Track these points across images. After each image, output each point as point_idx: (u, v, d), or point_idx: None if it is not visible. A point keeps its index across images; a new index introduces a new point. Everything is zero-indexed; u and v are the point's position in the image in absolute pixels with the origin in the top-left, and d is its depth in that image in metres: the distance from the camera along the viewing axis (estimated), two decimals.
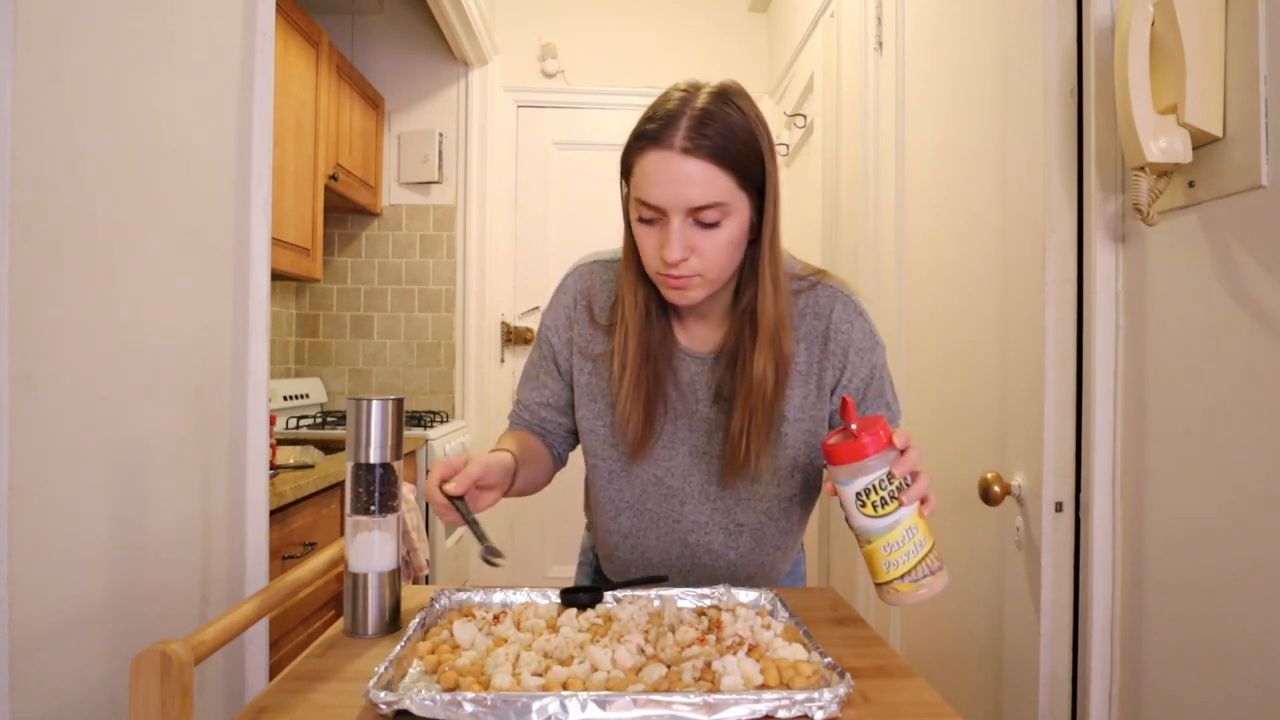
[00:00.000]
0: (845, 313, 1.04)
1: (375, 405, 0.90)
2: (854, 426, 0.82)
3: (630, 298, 1.02)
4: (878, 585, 0.83)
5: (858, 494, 0.81)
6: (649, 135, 0.90)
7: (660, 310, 1.04)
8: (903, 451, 0.81)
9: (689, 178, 0.88)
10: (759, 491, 1.06)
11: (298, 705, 0.73)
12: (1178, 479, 1.00)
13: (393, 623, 0.92)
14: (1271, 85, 0.85)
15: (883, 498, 0.80)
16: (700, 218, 0.90)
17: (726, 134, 0.88)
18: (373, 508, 0.90)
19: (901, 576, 0.81)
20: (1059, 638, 1.17)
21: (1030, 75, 1.23)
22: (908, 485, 0.81)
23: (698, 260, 0.92)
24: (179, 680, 0.61)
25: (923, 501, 0.81)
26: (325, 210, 2.78)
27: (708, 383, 1.05)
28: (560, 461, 1.18)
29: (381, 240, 3.33)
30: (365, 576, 0.90)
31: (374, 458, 0.90)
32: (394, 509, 0.91)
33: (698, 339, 1.06)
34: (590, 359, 1.08)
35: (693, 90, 0.91)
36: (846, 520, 0.84)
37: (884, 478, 0.80)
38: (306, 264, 2.60)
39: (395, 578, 0.92)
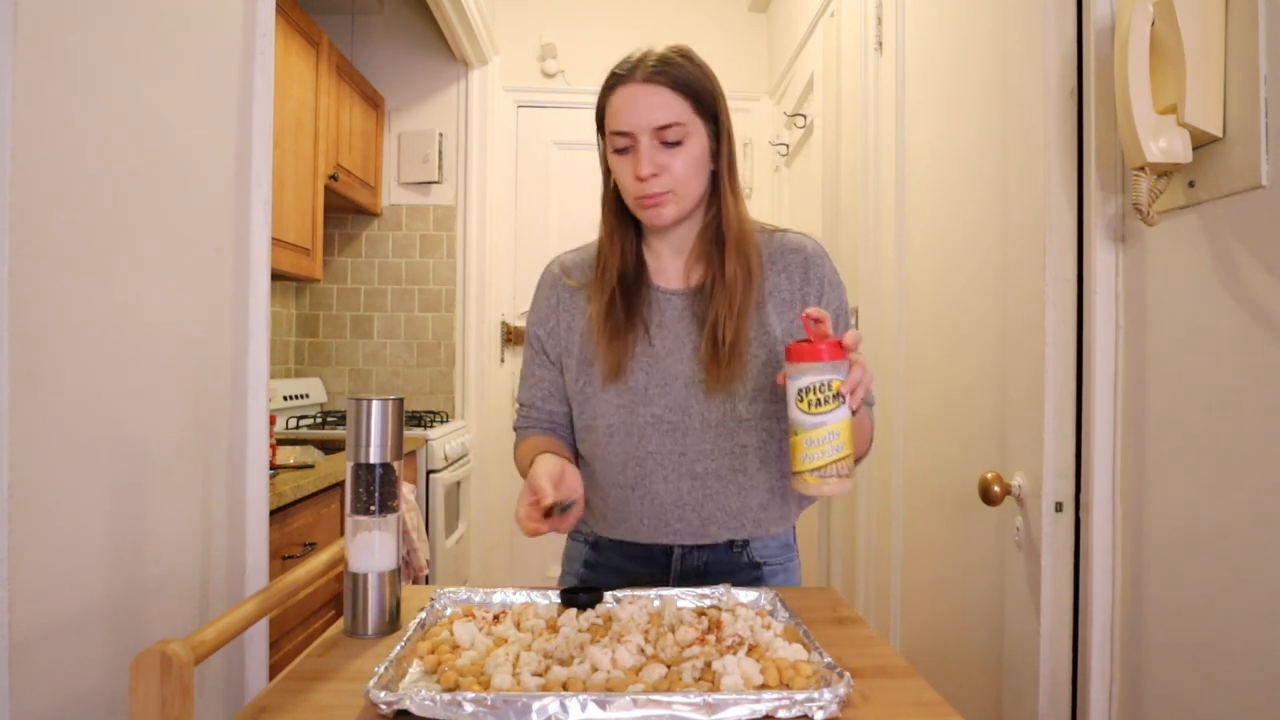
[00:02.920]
0: (819, 251, 1.16)
1: (375, 405, 0.90)
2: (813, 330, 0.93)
3: (609, 237, 1.15)
4: (792, 473, 0.94)
5: (800, 389, 0.90)
6: (617, 76, 1.07)
7: (637, 254, 1.15)
8: (852, 364, 0.92)
9: (651, 102, 1.04)
10: (756, 410, 1.10)
11: (298, 705, 0.73)
12: (1178, 479, 1.00)
13: (393, 623, 0.92)
14: (1271, 85, 0.85)
15: (819, 399, 0.90)
16: (664, 137, 1.04)
17: (680, 68, 1.06)
18: (373, 508, 0.90)
19: (812, 470, 0.91)
20: (1059, 638, 1.17)
21: (1030, 75, 1.23)
22: (844, 398, 0.90)
23: (668, 178, 1.05)
24: (179, 680, 0.61)
25: (852, 393, 0.91)
26: (325, 210, 2.78)
27: (693, 315, 1.12)
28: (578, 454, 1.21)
29: (381, 240, 3.33)
30: (365, 576, 0.90)
31: (374, 458, 0.90)
32: (394, 509, 0.91)
33: (675, 277, 1.15)
34: (579, 331, 1.17)
35: (648, 48, 1.09)
36: (787, 409, 0.94)
37: (826, 382, 0.90)
38: (306, 264, 2.60)
39: (395, 578, 0.92)
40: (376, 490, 0.90)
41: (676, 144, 1.05)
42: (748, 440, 1.10)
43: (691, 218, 1.12)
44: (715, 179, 1.11)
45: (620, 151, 1.07)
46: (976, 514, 1.42)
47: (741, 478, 1.11)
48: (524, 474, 1.09)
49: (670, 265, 1.16)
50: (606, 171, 1.14)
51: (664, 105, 1.04)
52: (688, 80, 1.05)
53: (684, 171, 1.06)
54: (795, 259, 1.13)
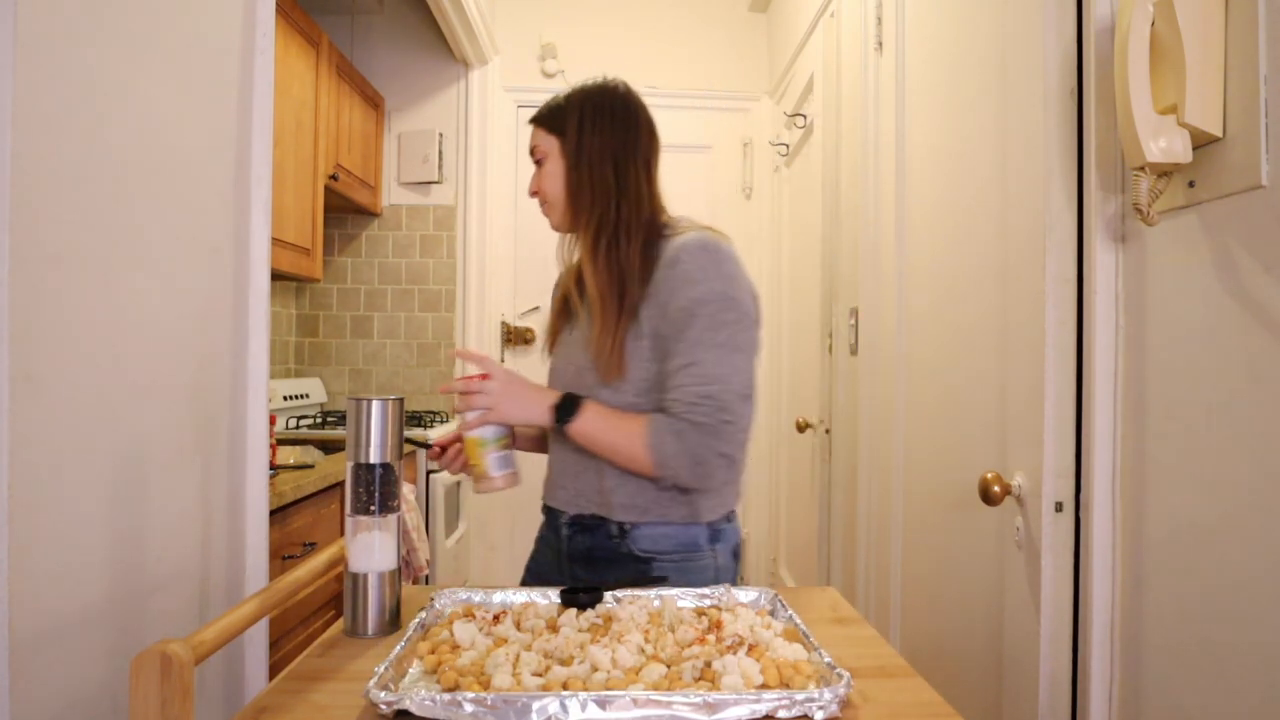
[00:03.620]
0: (689, 246, 1.17)
1: (375, 405, 0.90)
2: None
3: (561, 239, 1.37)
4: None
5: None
6: None
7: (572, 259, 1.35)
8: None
9: (529, 138, 1.32)
10: (643, 402, 1.18)
11: (298, 705, 0.73)
12: (1178, 479, 1.00)
13: (393, 623, 0.92)
14: (1271, 85, 0.85)
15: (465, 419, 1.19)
16: (536, 159, 1.30)
17: (546, 105, 1.31)
18: (373, 508, 0.90)
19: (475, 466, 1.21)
20: (1059, 638, 1.17)
21: (1030, 75, 1.23)
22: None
23: (541, 192, 1.30)
24: (179, 680, 0.61)
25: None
26: (325, 210, 2.78)
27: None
28: None
29: (381, 240, 3.33)
30: (365, 576, 0.90)
31: (374, 458, 0.90)
32: (394, 509, 0.91)
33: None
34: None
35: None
36: None
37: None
38: (306, 264, 2.60)
39: (395, 578, 0.92)
40: (376, 490, 0.90)
41: (540, 163, 1.29)
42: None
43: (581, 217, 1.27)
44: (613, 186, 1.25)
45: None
46: (976, 514, 1.42)
47: (598, 462, 1.20)
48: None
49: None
50: None
51: (532, 137, 1.30)
52: (542, 116, 1.30)
53: (544, 184, 1.28)
54: (671, 257, 1.18)
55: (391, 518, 0.91)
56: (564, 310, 1.32)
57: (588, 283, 1.21)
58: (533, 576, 1.34)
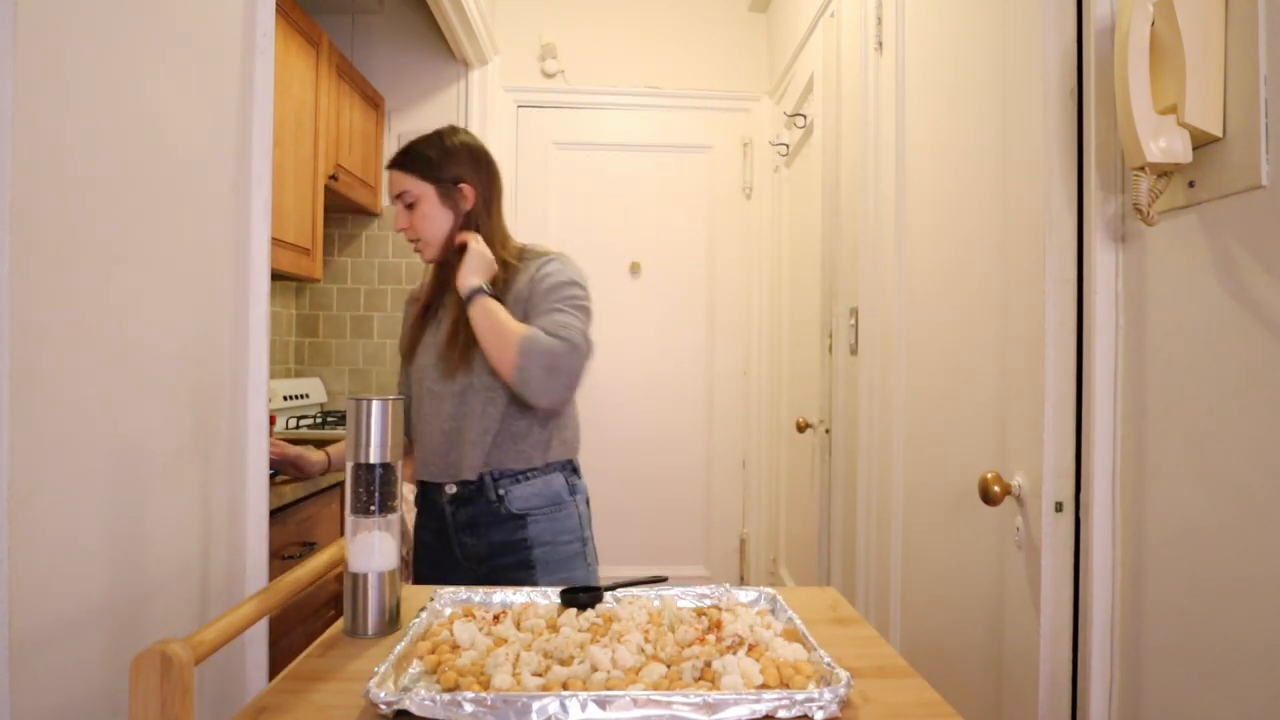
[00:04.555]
0: (552, 260, 1.52)
1: (375, 405, 0.90)
2: None
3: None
4: None
5: None
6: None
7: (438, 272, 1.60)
8: None
9: (392, 182, 1.56)
10: (484, 383, 1.48)
11: (298, 705, 0.73)
12: (1178, 479, 1.00)
13: (393, 623, 0.92)
14: (1271, 85, 0.85)
15: None
16: (405, 201, 1.54)
17: (404, 153, 1.56)
18: (373, 508, 0.90)
19: None
20: (1059, 638, 1.17)
21: (1030, 75, 1.23)
22: None
23: (414, 230, 1.53)
24: (179, 680, 0.61)
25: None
26: (325, 210, 2.78)
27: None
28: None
29: (381, 240, 3.33)
30: (365, 576, 0.90)
31: (374, 458, 0.90)
32: (394, 509, 0.91)
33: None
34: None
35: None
36: None
37: None
38: (306, 264, 2.60)
39: (395, 578, 0.92)
40: (376, 490, 0.90)
41: (411, 205, 1.53)
42: (469, 408, 1.47)
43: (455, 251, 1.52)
44: (472, 218, 1.54)
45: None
46: (976, 514, 1.42)
47: (461, 435, 1.48)
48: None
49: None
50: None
51: (397, 181, 1.54)
52: (411, 160, 1.53)
53: (419, 224, 1.52)
54: (533, 270, 1.49)
55: (392, 518, 0.91)
56: (423, 321, 1.58)
57: (457, 302, 1.48)
58: (427, 566, 1.56)
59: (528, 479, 1.50)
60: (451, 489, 1.50)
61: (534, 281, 1.48)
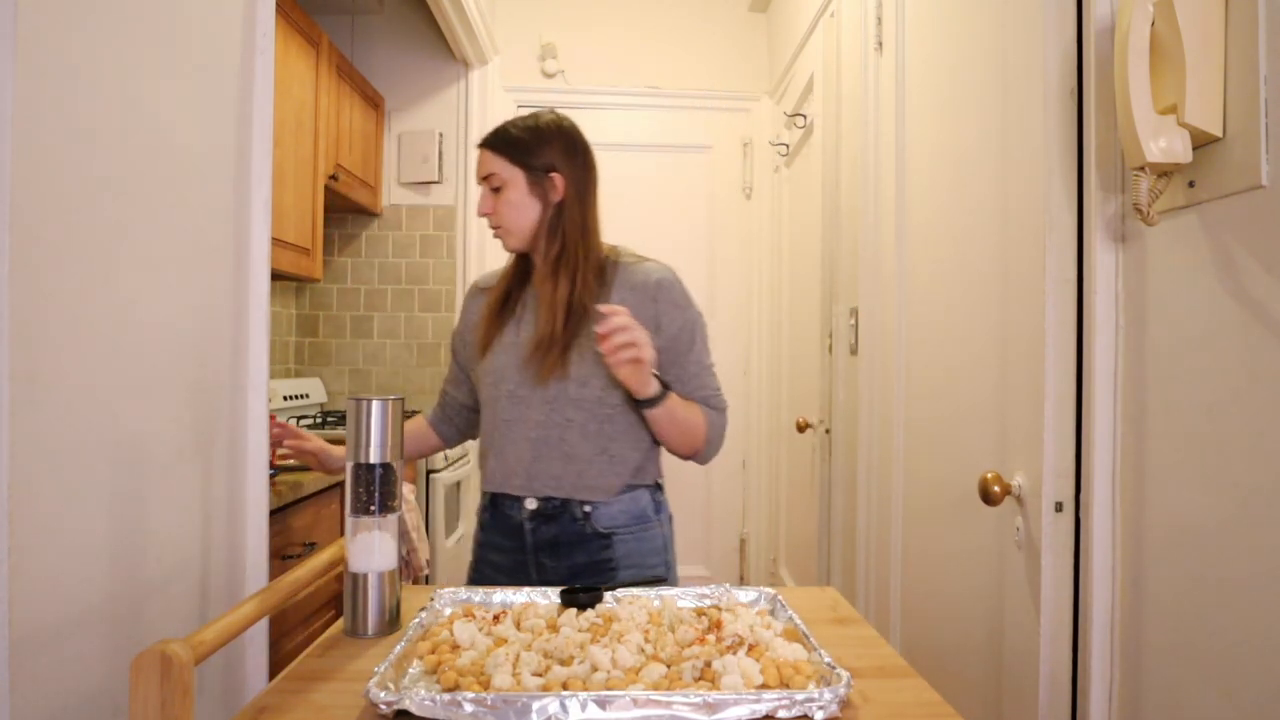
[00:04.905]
0: (668, 278, 1.39)
1: (375, 405, 0.90)
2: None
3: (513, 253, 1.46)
4: None
5: None
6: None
7: (530, 265, 1.44)
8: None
9: (479, 161, 1.40)
10: (585, 393, 1.34)
11: (298, 705, 0.73)
12: (1178, 479, 1.00)
13: (393, 623, 0.92)
14: (1271, 85, 0.85)
15: None
16: (491, 184, 1.38)
17: (498, 134, 1.39)
18: (373, 508, 0.90)
19: None
20: (1059, 638, 1.17)
21: (1030, 75, 1.23)
22: None
23: (496, 216, 1.38)
24: (179, 680, 0.61)
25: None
26: (325, 210, 2.78)
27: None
28: (443, 438, 1.60)
29: (381, 240, 3.33)
30: (365, 576, 0.90)
31: (374, 458, 0.90)
32: (394, 509, 0.91)
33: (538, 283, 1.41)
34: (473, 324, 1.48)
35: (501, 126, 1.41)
36: None
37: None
38: (306, 264, 2.60)
39: (395, 578, 0.92)
40: (376, 490, 0.90)
41: (498, 189, 1.37)
42: (574, 416, 1.34)
43: (554, 241, 1.38)
44: (562, 210, 1.38)
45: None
46: (976, 514, 1.42)
47: (565, 447, 1.34)
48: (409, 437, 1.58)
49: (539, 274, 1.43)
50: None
51: (486, 162, 1.38)
52: (503, 142, 1.37)
53: (504, 210, 1.37)
54: (647, 281, 1.37)
55: (391, 518, 0.91)
56: (499, 316, 1.43)
57: (549, 301, 1.35)
58: (498, 572, 1.41)
59: (615, 498, 1.38)
60: (532, 504, 1.36)
61: (653, 298, 1.35)
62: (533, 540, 1.36)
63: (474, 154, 3.31)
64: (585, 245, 1.38)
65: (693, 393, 1.37)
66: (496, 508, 1.41)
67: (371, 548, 0.90)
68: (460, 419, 1.58)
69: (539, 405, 1.35)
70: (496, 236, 1.40)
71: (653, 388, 1.26)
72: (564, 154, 1.39)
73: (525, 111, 1.45)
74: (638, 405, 1.30)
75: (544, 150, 1.38)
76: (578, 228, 1.38)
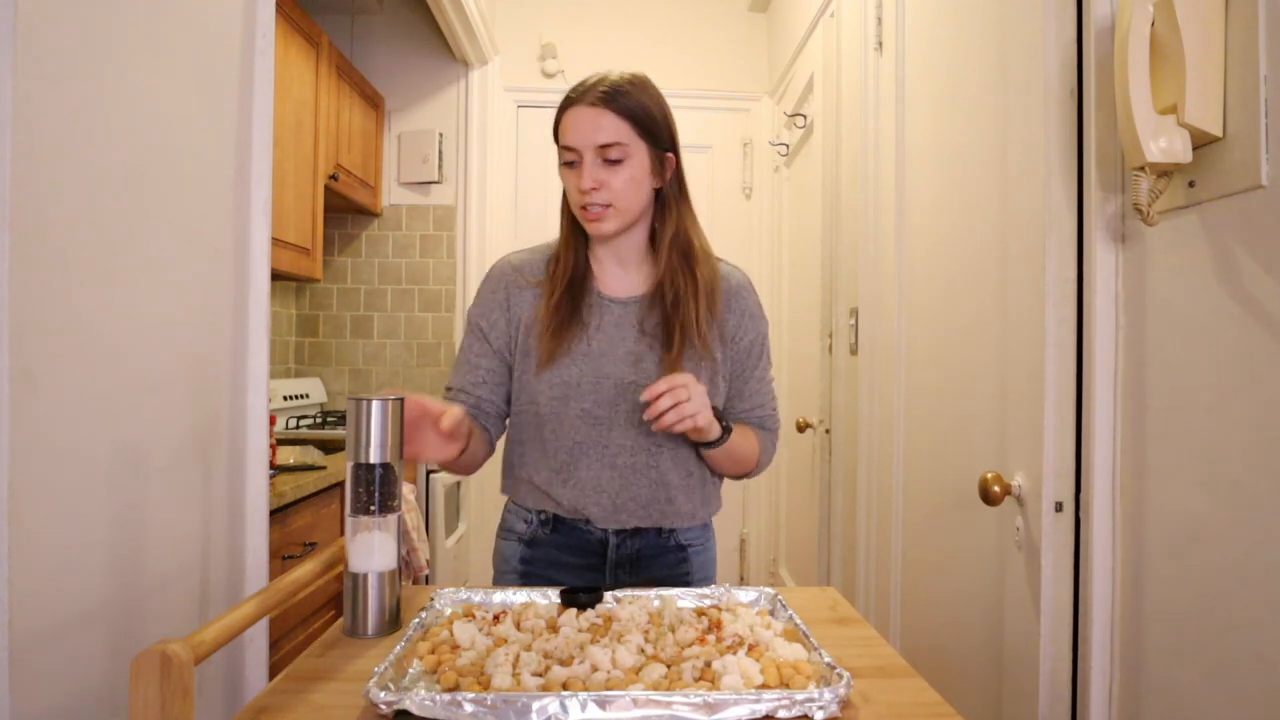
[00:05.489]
0: (744, 284, 1.31)
1: (375, 405, 0.90)
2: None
3: (564, 242, 1.26)
4: None
5: None
6: (569, 99, 1.19)
7: (586, 260, 1.26)
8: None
9: (595, 123, 1.15)
10: None
11: (298, 705, 0.73)
12: (1178, 479, 1.00)
13: (393, 623, 0.92)
14: (1271, 85, 0.85)
15: None
16: (606, 155, 1.16)
17: (625, 95, 1.17)
18: (373, 508, 0.90)
19: None
20: (1059, 638, 1.17)
21: (1030, 75, 1.23)
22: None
23: (608, 192, 1.16)
24: (179, 680, 0.61)
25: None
26: (325, 210, 2.78)
27: (633, 322, 1.24)
28: (491, 446, 1.30)
29: (381, 240, 3.33)
30: (365, 576, 0.90)
31: (374, 458, 0.90)
32: (394, 509, 0.91)
33: (619, 285, 1.26)
34: (525, 324, 1.26)
35: (601, 74, 1.20)
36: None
37: None
38: (306, 264, 2.60)
39: (395, 578, 0.92)
40: (376, 490, 0.90)
41: (616, 162, 1.16)
42: (664, 440, 1.22)
43: (633, 231, 1.24)
44: (661, 198, 1.24)
45: (568, 165, 1.19)
46: (976, 514, 1.42)
47: (654, 472, 1.22)
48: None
49: (612, 274, 1.27)
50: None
51: (606, 127, 1.15)
52: (629, 106, 1.16)
53: (622, 188, 1.17)
54: (726, 288, 1.27)
55: (391, 518, 0.91)
56: (571, 323, 1.22)
57: (692, 292, 1.21)
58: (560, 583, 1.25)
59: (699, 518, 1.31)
60: (614, 525, 1.24)
61: (746, 315, 1.27)
62: (615, 556, 1.24)
63: (475, 154, 3.35)
64: (698, 232, 1.26)
65: (751, 410, 1.29)
66: (562, 524, 1.25)
67: (371, 548, 0.90)
68: (496, 429, 1.31)
69: (625, 428, 1.21)
70: (590, 219, 1.18)
71: (715, 432, 1.16)
72: (672, 133, 1.23)
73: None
74: (695, 445, 1.22)
75: (666, 124, 1.21)
76: (680, 218, 1.24)
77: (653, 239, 1.26)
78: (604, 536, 1.24)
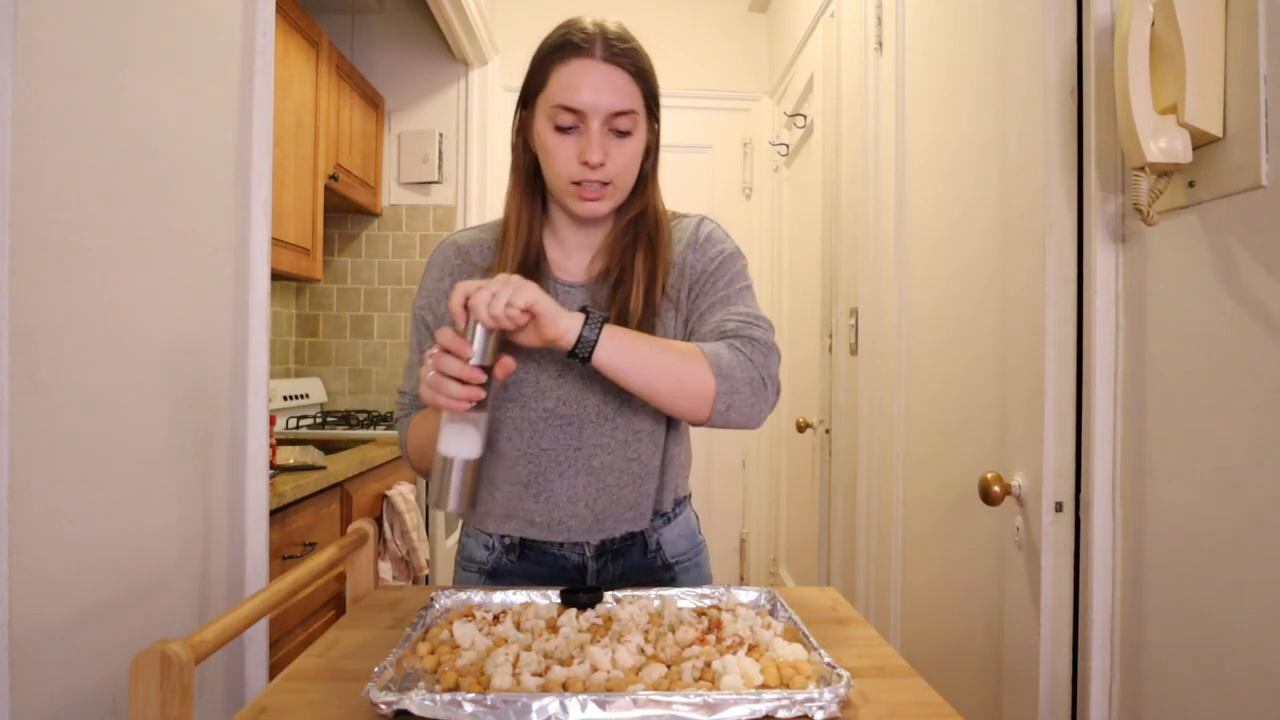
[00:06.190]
0: (707, 219, 1.13)
1: (479, 328, 0.87)
2: None
3: (516, 218, 1.06)
4: None
5: None
6: (571, 45, 0.99)
7: (540, 241, 1.09)
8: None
9: (614, 84, 0.97)
10: None
11: (298, 705, 0.73)
12: (1178, 479, 1.00)
13: (471, 504, 0.93)
14: (1271, 85, 0.85)
15: None
16: (616, 125, 0.98)
17: (637, 53, 1.01)
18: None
19: None
20: (1059, 638, 1.17)
21: (1030, 75, 1.23)
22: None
23: (611, 168, 0.98)
24: (179, 680, 0.61)
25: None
26: (325, 210, 2.78)
27: (593, 306, 1.05)
28: None
29: (381, 240, 3.33)
30: (452, 460, 0.90)
31: (475, 360, 0.87)
32: (485, 408, 0.90)
33: (576, 270, 1.09)
34: None
35: (597, 20, 1.03)
36: None
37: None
38: (306, 264, 2.60)
39: (476, 467, 0.92)
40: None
41: (626, 134, 0.99)
42: (641, 426, 1.07)
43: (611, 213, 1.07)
44: (640, 172, 1.06)
45: (562, 130, 0.99)
46: (976, 514, 1.42)
47: (636, 465, 1.07)
48: (420, 441, 1.05)
49: (575, 258, 1.09)
50: (522, 146, 1.07)
51: (622, 90, 0.98)
52: (643, 70, 1.01)
53: (627, 164, 1.00)
54: (695, 237, 1.11)
55: (483, 416, 0.90)
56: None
57: (639, 274, 1.04)
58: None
59: (674, 517, 1.16)
60: (596, 539, 1.10)
61: (697, 246, 1.08)
62: (597, 581, 1.11)
63: (475, 154, 3.35)
64: (663, 211, 1.10)
65: (704, 327, 1.03)
66: (530, 548, 1.11)
67: (462, 436, 0.90)
68: None
69: (597, 422, 1.05)
70: (590, 196, 1.00)
71: (565, 324, 0.88)
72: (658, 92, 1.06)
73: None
74: (572, 359, 0.92)
75: (656, 84, 1.05)
76: (659, 194, 1.09)
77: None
78: (581, 561, 1.10)
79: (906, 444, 1.82)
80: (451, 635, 0.84)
